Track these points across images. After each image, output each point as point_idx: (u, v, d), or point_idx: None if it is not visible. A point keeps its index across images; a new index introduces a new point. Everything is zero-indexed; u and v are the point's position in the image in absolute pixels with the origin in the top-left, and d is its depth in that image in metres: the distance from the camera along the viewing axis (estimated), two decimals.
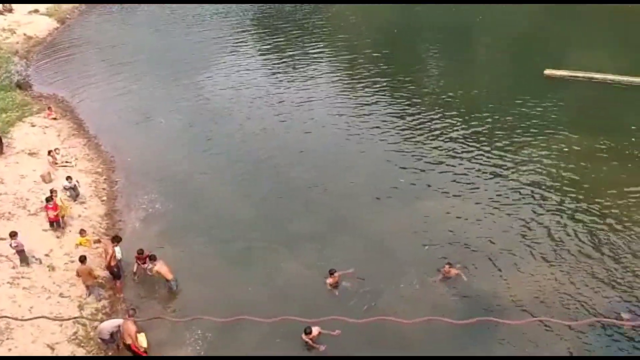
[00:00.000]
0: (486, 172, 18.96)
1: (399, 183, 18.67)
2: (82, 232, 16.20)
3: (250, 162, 20.46)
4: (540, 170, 18.86)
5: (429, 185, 18.46)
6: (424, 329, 13.03)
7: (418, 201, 17.72)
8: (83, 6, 39.95)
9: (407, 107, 23.79)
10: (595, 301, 13.59)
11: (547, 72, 25.61)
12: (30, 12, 35.91)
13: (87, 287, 14.48)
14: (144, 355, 12.86)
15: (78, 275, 14.44)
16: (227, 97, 25.57)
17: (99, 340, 13.09)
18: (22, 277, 14.61)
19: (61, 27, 35.95)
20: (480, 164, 19.48)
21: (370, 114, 23.42)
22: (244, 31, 34.60)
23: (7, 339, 12.81)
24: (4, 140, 20.19)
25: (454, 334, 12.77)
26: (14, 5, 35.91)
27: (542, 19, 33.04)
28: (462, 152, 20.26)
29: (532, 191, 17.80)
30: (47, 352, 12.74)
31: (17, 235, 14.84)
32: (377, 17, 36.36)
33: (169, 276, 14.62)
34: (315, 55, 30.14)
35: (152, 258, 14.82)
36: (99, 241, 16.33)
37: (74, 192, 17.89)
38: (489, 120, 22.30)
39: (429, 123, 22.36)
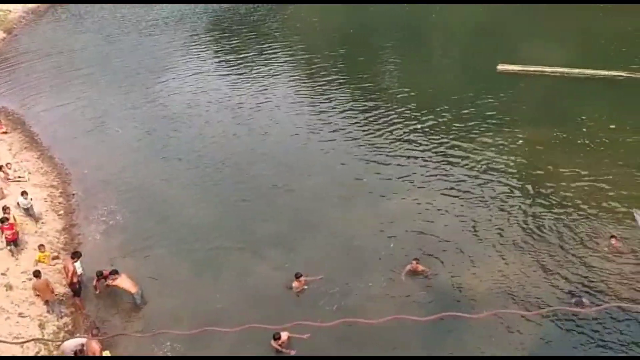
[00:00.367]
0: (445, 167, 19.29)
1: (362, 181, 18.80)
2: (41, 247, 15.68)
3: (211, 167, 20.24)
4: (497, 162, 19.31)
5: (391, 182, 18.65)
6: (391, 327, 13.16)
7: (381, 198, 17.89)
8: (31, 15, 38.74)
9: (365, 105, 24.00)
10: (554, 289, 13.97)
11: (500, 67, 26.24)
12: None
13: (47, 302, 14.04)
14: None
15: (36, 291, 13.99)
16: (185, 102, 25.26)
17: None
18: None
19: (8, 37, 34.76)
20: (440, 158, 19.81)
21: (330, 113, 23.53)
22: (198, 35, 34.23)
23: None
24: None
25: (420, 329, 12.98)
26: None
27: (493, 16, 33.82)
28: (422, 147, 20.56)
29: (491, 183, 18.20)
30: None
31: None
32: (333, 17, 36.56)
33: (133, 289, 14.31)
34: (272, 57, 30.08)
35: (114, 273, 14.49)
36: (57, 257, 15.86)
37: (29, 211, 17.28)
38: (446, 115, 22.70)
39: (388, 120, 22.61)
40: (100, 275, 14.61)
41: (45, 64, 30.24)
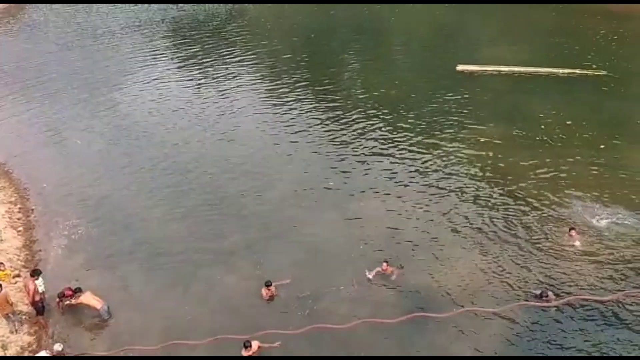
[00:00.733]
0: (409, 167, 19.51)
1: (329, 185, 18.85)
2: (0, 265, 15.16)
3: (175, 176, 19.96)
4: (459, 161, 19.65)
5: (357, 184, 18.76)
6: (361, 330, 13.33)
7: (349, 200, 17.97)
8: None
9: (329, 108, 24.11)
10: (519, 284, 14.28)
11: (459, 67, 26.75)
12: None
13: (6, 316, 13.59)
14: None
15: None
16: (146, 111, 24.88)
17: None
18: None
19: None
20: (404, 159, 20.03)
21: (293, 117, 23.55)
22: (157, 42, 33.79)
23: None
24: None
25: (391, 331, 13.17)
26: None
27: (451, 17, 34.48)
28: (386, 149, 20.75)
29: (454, 182, 18.50)
30: None
31: None
32: (293, 22, 36.61)
33: (98, 305, 13.98)
34: (233, 62, 29.93)
35: (77, 291, 14.13)
36: (18, 275, 15.37)
37: None
38: (408, 116, 22.98)
39: (352, 122, 22.77)
40: (61, 296, 14.22)
41: None
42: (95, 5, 41.85)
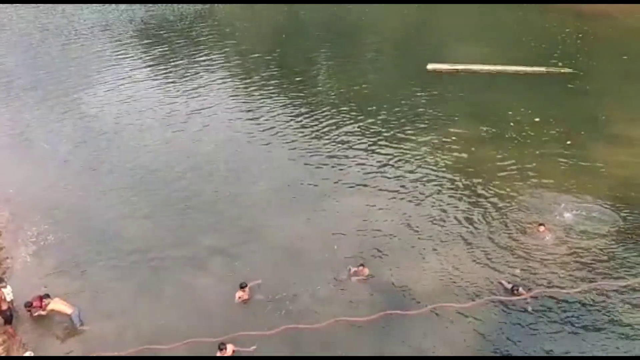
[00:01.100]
0: (381, 166, 19.64)
1: (301, 185, 18.84)
2: None
3: (146, 178, 19.68)
4: (431, 159, 19.86)
5: (330, 184, 18.79)
6: (335, 329, 13.36)
7: (322, 200, 17.98)
8: None
9: (300, 108, 24.12)
10: (491, 279, 14.47)
11: (430, 66, 27.03)
12: None
13: None
14: None
15: None
16: (115, 112, 24.49)
17: None
18: None
19: None
20: (376, 158, 20.16)
21: (265, 117, 23.47)
22: (126, 43, 33.27)
23: None
24: None
25: (365, 329, 13.26)
26: None
27: (421, 17, 34.82)
28: (357, 148, 20.85)
29: (426, 180, 18.69)
30: None
31: None
32: (263, 22, 36.50)
33: (69, 311, 13.69)
34: (203, 63, 29.67)
35: (45, 297, 13.80)
36: None
37: None
38: (380, 115, 23.14)
39: (324, 122, 22.81)
40: (29, 306, 13.87)
41: None
42: (60, 6, 41.01)
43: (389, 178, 18.93)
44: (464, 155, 19.96)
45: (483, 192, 17.88)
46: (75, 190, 19.17)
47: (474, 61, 27.01)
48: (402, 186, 18.42)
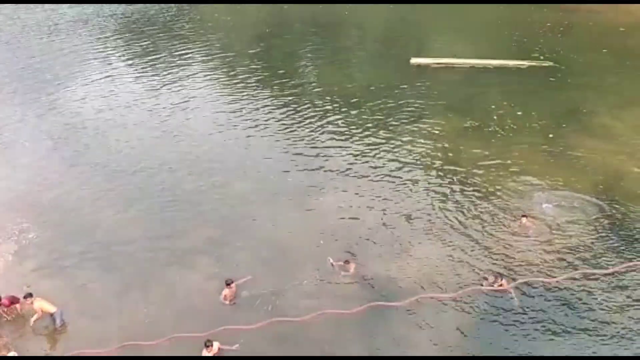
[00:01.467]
0: (365, 160, 19.67)
1: (286, 180, 18.81)
2: None
3: (128, 174, 19.48)
4: (415, 152, 19.94)
5: (315, 178, 18.78)
6: (322, 322, 13.39)
7: (307, 194, 17.98)
8: None
9: (285, 103, 24.05)
10: (475, 271, 14.61)
11: (413, 60, 27.11)
12: None
13: None
14: None
15: None
16: (97, 108, 24.20)
17: None
18: None
19: None
20: (360, 151, 20.20)
21: (250, 112, 23.38)
22: (106, 38, 32.87)
23: None
24: None
25: (351, 322, 13.33)
26: None
27: (403, 12, 34.84)
28: (342, 142, 20.86)
29: (410, 173, 18.78)
30: None
31: None
32: (247, 17, 36.28)
33: (52, 310, 13.53)
34: (186, 58, 29.43)
35: (28, 296, 13.57)
36: None
37: None
38: (364, 109, 23.19)
39: (308, 116, 22.78)
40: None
41: None
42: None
43: (373, 171, 18.98)
44: (448, 148, 20.07)
45: (466, 184, 18.01)
46: (57, 189, 18.91)
47: (457, 55, 27.15)
48: (386, 179, 18.49)
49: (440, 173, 18.73)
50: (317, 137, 21.31)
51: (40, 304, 13.54)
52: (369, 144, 20.64)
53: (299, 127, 22.06)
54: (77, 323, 13.74)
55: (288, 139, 21.32)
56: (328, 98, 24.25)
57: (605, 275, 14.19)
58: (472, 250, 15.29)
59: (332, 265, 14.87)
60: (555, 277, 14.22)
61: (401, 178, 18.54)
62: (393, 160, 19.57)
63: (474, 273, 14.55)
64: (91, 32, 33.80)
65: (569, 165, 18.64)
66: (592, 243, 15.30)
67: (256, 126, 22.22)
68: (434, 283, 14.36)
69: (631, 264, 14.45)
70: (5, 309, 13.79)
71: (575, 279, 14.14)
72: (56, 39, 32.80)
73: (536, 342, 12.70)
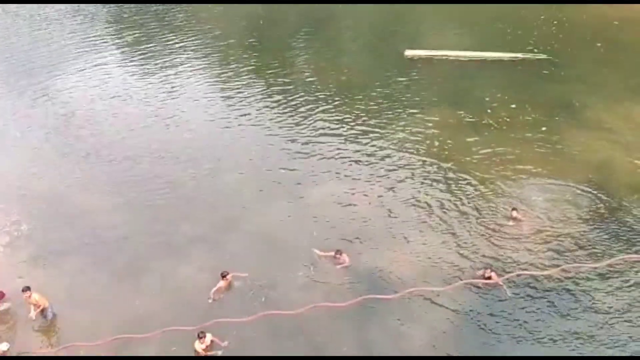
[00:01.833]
0: (359, 152, 19.63)
1: (279, 171, 18.76)
2: None
3: (120, 165, 19.39)
4: (409, 145, 19.90)
5: (308, 170, 18.74)
6: (315, 315, 13.45)
7: (301, 187, 17.95)
8: None
9: (278, 95, 23.90)
10: (467, 263, 14.69)
11: (407, 52, 27.02)
12: None
13: None
14: None
15: None
16: (87, 97, 24.00)
17: None
18: None
19: None
20: (353, 144, 20.13)
21: (242, 103, 23.22)
22: (98, 27, 32.50)
23: None
24: None
25: (343, 315, 13.39)
26: None
27: (397, 4, 34.58)
28: (335, 134, 20.80)
29: (404, 166, 18.76)
30: None
31: None
32: (241, 8, 35.87)
33: (47, 304, 13.47)
34: (179, 48, 29.16)
35: (26, 290, 13.35)
36: None
37: None
38: (358, 101, 23.08)
39: (301, 108, 22.65)
40: None
41: None
42: None
43: (366, 164, 18.96)
44: (441, 141, 20.06)
45: (459, 177, 18.03)
46: (48, 179, 18.81)
47: (451, 48, 27.07)
48: (379, 172, 18.48)
49: (433, 165, 18.74)
50: (310, 128, 21.24)
51: (39, 298, 13.42)
52: (361, 136, 20.60)
53: (291, 118, 21.97)
54: (69, 315, 13.73)
55: (280, 129, 21.24)
56: (321, 89, 24.14)
57: (596, 268, 14.29)
58: (463, 243, 15.35)
59: (319, 257, 14.86)
60: (546, 269, 14.32)
61: (394, 170, 18.54)
62: (386, 152, 19.55)
63: (465, 266, 14.61)
64: (82, 21, 33.42)
65: (561, 158, 18.69)
66: (584, 236, 15.39)
67: (248, 116, 22.12)
68: (427, 276, 14.42)
69: (623, 256, 14.55)
70: None
71: (566, 271, 14.23)
72: (47, 28, 32.42)
73: (527, 335, 12.80)
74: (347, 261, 14.75)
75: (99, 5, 36.14)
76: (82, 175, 18.99)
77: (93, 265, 15.31)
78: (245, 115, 22.31)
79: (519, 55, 26.28)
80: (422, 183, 17.90)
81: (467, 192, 17.31)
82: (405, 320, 13.32)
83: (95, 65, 27.08)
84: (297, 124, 21.57)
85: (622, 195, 16.81)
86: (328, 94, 23.74)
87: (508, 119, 21.24)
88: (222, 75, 25.97)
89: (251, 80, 25.33)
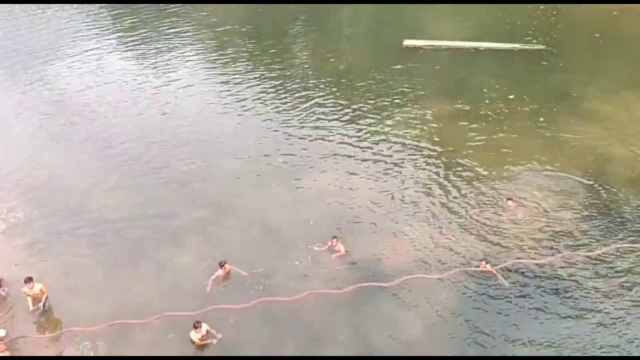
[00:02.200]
0: (358, 142, 19.61)
1: (277, 161, 18.74)
2: None
3: (116, 152, 19.32)
4: (407, 135, 19.88)
5: (306, 159, 18.74)
6: (311, 302, 13.54)
7: (298, 176, 17.95)
8: None
9: (276, 83, 23.79)
10: (463, 252, 14.79)
11: (406, 42, 26.91)
12: None
13: None
14: None
15: None
16: (83, 83, 23.83)
17: None
18: None
19: None
20: (352, 133, 20.10)
21: (239, 91, 23.11)
22: (94, 13, 32.15)
23: None
24: None
25: (339, 302, 13.51)
26: None
27: None
28: (332, 123, 20.76)
29: (402, 155, 18.76)
30: None
31: None
32: None
33: (46, 293, 13.51)
34: (175, 34, 28.90)
35: (28, 280, 13.26)
36: None
37: None
38: (356, 90, 23.02)
39: (299, 97, 22.58)
40: None
41: None
42: None
43: (363, 153, 18.96)
44: (439, 130, 20.06)
45: (456, 167, 18.06)
46: (44, 166, 18.75)
47: (450, 37, 26.97)
48: (376, 161, 18.49)
49: (430, 155, 18.76)
50: (308, 117, 21.20)
51: (42, 287, 13.38)
52: (359, 125, 20.57)
53: (289, 107, 21.91)
54: (66, 301, 13.77)
55: (278, 118, 21.19)
56: (319, 77, 24.07)
57: (591, 258, 14.38)
58: (459, 232, 15.42)
59: (324, 249, 14.91)
60: (541, 258, 14.40)
61: (391, 159, 18.55)
62: (383, 141, 19.54)
63: (460, 254, 14.71)
64: (79, 8, 33.10)
65: (558, 149, 18.72)
66: (579, 226, 15.48)
67: (246, 105, 22.03)
68: (423, 264, 14.52)
69: (618, 246, 14.64)
70: None
71: (561, 261, 14.32)
72: (43, 15, 32.12)
73: (521, 323, 12.93)
74: (341, 250, 14.80)
75: None
76: (77, 162, 18.94)
77: (89, 251, 15.33)
78: (242, 102, 22.24)
79: (518, 45, 26.21)
80: (419, 172, 17.93)
81: (464, 182, 17.36)
82: (400, 308, 13.42)
83: (91, 51, 26.88)
84: (294, 112, 21.53)
85: (618, 185, 16.88)
86: (326, 82, 23.67)
87: (506, 109, 21.22)
88: (219, 62, 25.84)
89: (248, 67, 25.23)
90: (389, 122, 20.70)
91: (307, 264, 14.68)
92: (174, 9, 32.44)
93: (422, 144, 19.40)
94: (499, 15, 30.04)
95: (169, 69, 25.07)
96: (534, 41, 26.48)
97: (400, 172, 17.95)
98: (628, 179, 17.20)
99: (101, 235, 15.85)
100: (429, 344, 12.67)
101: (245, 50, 27.06)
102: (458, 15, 29.63)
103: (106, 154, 19.26)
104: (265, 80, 24.00)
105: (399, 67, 24.74)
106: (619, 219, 15.67)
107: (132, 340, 12.87)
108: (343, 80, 23.73)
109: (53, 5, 33.24)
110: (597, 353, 12.23)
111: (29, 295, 13.29)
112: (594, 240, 14.96)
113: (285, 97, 22.56)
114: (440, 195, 16.85)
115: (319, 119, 21.05)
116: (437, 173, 17.88)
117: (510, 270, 14.14)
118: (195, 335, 12.46)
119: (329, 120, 20.95)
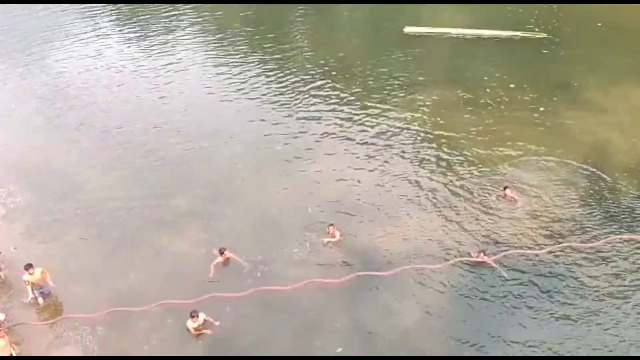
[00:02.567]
0: (356, 129, 19.55)
1: (275, 147, 18.71)
2: None
3: (115, 137, 19.28)
4: (407, 123, 19.82)
5: (305, 147, 18.69)
6: (310, 290, 13.60)
7: (297, 164, 17.93)
8: None
9: (275, 69, 23.66)
10: (461, 242, 14.82)
11: (406, 29, 26.73)
12: None
13: None
14: None
15: None
16: (82, 67, 23.75)
17: None
18: None
19: None
20: (350, 121, 20.02)
21: (239, 77, 22.99)
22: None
23: None
24: None
25: (337, 291, 13.56)
26: None
27: None
28: (332, 111, 20.65)
29: (401, 143, 18.72)
30: None
31: None
32: None
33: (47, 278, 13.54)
34: (175, 20, 28.70)
35: (29, 267, 13.12)
36: None
37: None
38: (356, 78, 22.90)
39: (298, 85, 22.47)
40: None
41: None
42: None
43: (362, 140, 18.92)
44: (438, 119, 20.00)
45: (455, 156, 18.04)
46: (44, 151, 18.74)
47: (451, 25, 26.79)
48: (375, 149, 18.45)
49: (429, 143, 18.72)
50: (306, 103, 21.12)
51: (42, 270, 13.40)
52: (358, 112, 20.50)
53: (288, 93, 21.81)
54: (65, 287, 13.80)
55: (277, 104, 21.11)
56: (318, 64, 23.92)
57: (589, 248, 14.43)
58: (457, 222, 15.44)
59: (325, 243, 14.91)
60: (539, 248, 14.45)
61: (389, 148, 18.50)
62: (382, 129, 19.49)
63: (458, 244, 14.74)
64: None
65: (558, 138, 18.68)
66: (578, 215, 15.50)
67: (244, 90, 21.93)
68: (420, 254, 14.54)
69: (616, 237, 14.69)
70: None
71: (558, 251, 14.37)
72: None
73: (518, 311, 13.00)
74: (337, 236, 14.82)
75: None
76: (75, 146, 18.91)
77: (88, 237, 15.37)
78: (241, 89, 22.13)
79: (519, 33, 26.04)
80: (418, 160, 17.91)
81: (463, 170, 17.35)
82: (398, 297, 13.48)
83: (89, 36, 26.72)
84: (293, 99, 21.43)
85: (617, 175, 16.88)
86: (326, 69, 23.54)
87: (506, 98, 21.14)
88: (219, 49, 25.67)
89: (248, 54, 25.06)
90: (388, 109, 20.63)
91: (304, 252, 14.71)
92: None
93: (421, 133, 19.35)
94: (501, 3, 29.81)
95: (168, 54, 24.92)
96: (536, 29, 26.31)
97: (398, 161, 17.91)
98: (627, 168, 17.18)
99: (99, 220, 15.88)
100: (426, 332, 12.76)
101: (245, 34, 26.89)
102: (459, 3, 29.40)
103: (103, 138, 19.22)
104: (265, 67, 23.85)
105: (399, 54, 24.60)
106: (617, 209, 15.68)
107: (130, 327, 12.95)
108: (343, 68, 23.59)
109: None
110: (596, 342, 12.32)
111: (30, 282, 13.15)
112: (593, 231, 14.98)
113: (284, 83, 22.45)
114: (439, 184, 16.85)
115: (317, 105, 20.98)
116: (435, 162, 17.86)
117: (507, 260, 14.19)
118: (191, 324, 12.51)
119: (327, 107, 20.88)
